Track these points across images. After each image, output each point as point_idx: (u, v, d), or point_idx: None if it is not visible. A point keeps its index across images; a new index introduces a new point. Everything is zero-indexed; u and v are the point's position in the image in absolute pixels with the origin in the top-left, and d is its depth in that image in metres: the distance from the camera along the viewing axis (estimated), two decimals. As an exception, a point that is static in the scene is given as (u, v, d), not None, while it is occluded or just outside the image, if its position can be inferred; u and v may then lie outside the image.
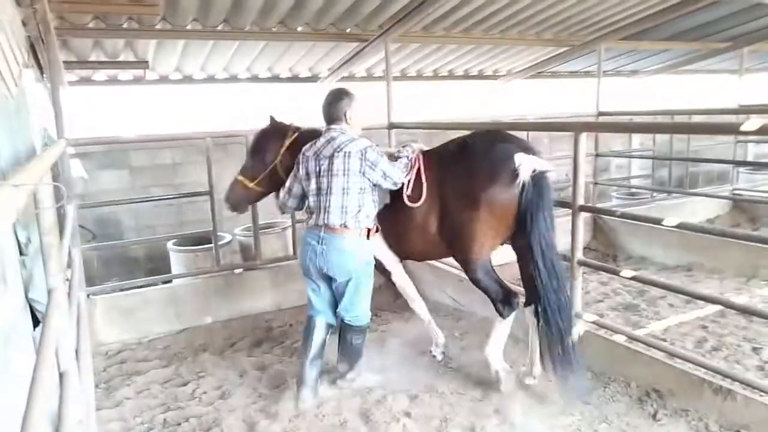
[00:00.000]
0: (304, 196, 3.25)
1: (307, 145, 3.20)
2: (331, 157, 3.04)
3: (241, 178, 3.55)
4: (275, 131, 3.57)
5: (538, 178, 2.94)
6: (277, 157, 3.48)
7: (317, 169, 3.08)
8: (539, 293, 2.96)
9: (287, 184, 3.31)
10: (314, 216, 3.11)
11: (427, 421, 3.03)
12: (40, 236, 1.83)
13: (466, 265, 3.21)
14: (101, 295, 4.43)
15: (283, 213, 3.81)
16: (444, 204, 3.13)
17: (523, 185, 2.92)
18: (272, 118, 3.67)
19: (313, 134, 3.33)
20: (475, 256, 3.13)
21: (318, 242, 3.08)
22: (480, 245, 3.09)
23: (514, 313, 3.22)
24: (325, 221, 3.05)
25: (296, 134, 3.51)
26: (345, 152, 3.03)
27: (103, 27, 4.63)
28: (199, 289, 4.68)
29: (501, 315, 3.21)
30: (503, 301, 3.19)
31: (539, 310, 3.00)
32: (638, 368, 3.18)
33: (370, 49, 5.75)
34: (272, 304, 4.92)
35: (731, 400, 2.71)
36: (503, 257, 5.93)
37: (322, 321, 3.30)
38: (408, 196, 3.15)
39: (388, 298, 4.78)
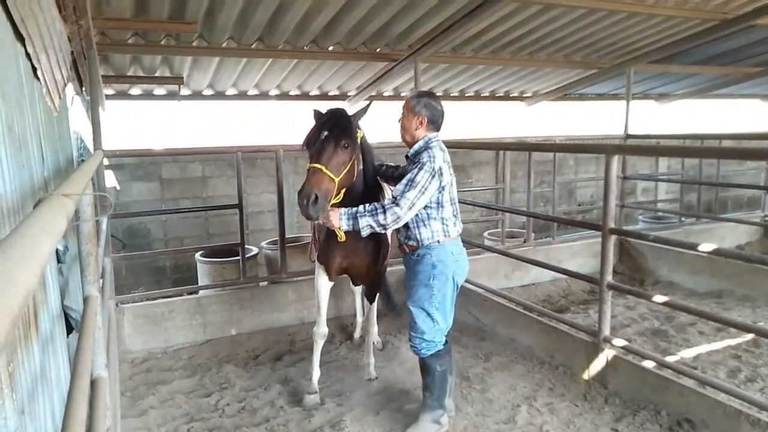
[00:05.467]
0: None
1: (439, 150, 2.92)
2: (450, 165, 3.01)
3: (320, 167, 2.76)
4: (352, 118, 3.03)
5: None
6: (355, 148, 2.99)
7: (451, 176, 2.98)
8: None
9: (418, 191, 2.80)
10: (455, 225, 3.01)
11: (451, 443, 3.00)
12: (78, 244, 1.87)
13: None
14: (129, 304, 4.51)
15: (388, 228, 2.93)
16: None
17: None
18: (317, 112, 3.13)
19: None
20: None
21: (461, 252, 3.05)
22: None
23: None
24: (460, 230, 3.05)
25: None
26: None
27: (142, 43, 4.79)
28: (224, 300, 4.73)
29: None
30: None
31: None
32: (669, 396, 3.11)
33: (399, 68, 5.82)
34: (296, 317, 4.94)
35: (768, 433, 2.63)
36: (524, 278, 5.95)
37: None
38: None
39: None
